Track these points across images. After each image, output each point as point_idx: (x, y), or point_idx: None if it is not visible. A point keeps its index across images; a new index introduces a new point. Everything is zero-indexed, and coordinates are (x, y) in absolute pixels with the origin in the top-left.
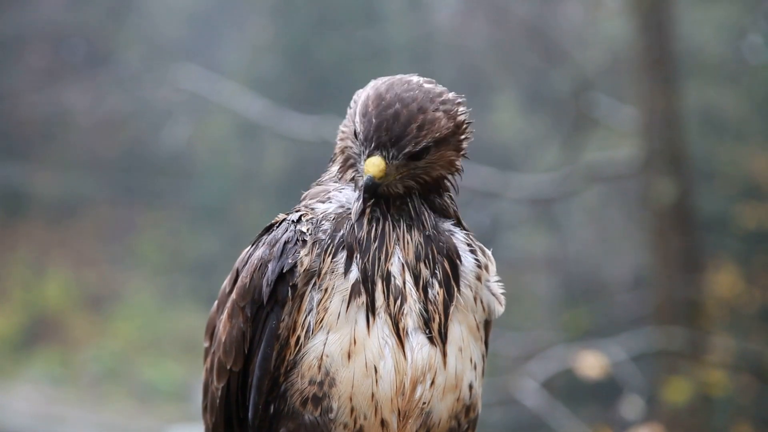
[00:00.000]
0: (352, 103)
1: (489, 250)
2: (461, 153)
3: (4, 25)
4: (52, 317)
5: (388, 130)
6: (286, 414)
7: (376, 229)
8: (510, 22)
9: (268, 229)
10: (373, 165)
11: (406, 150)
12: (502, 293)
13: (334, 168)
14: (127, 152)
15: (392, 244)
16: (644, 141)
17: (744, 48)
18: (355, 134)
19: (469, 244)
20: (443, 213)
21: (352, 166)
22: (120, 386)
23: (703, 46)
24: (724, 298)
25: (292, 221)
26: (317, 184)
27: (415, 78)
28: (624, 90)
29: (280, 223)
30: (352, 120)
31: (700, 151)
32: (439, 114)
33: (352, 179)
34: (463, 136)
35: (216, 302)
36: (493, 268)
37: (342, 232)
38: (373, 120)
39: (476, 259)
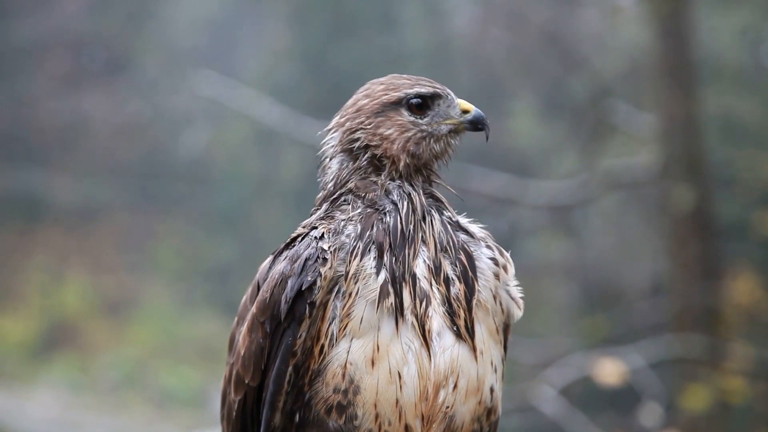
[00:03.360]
0: (346, 114)
1: (507, 252)
2: None
3: (25, 32)
4: (71, 323)
5: (442, 85)
6: (311, 422)
7: (406, 225)
8: (528, 28)
9: (291, 243)
10: (467, 103)
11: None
12: (521, 297)
13: (343, 174)
14: (146, 159)
15: (419, 242)
16: (662, 147)
17: (762, 54)
18: (415, 97)
19: (484, 240)
20: (444, 204)
21: (404, 148)
22: (138, 392)
23: (721, 52)
24: (743, 305)
25: (315, 237)
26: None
27: None
28: (642, 96)
29: (303, 238)
30: (383, 100)
31: (719, 157)
32: None
33: (371, 176)
34: None
35: (237, 317)
36: (512, 269)
37: (370, 232)
38: (426, 81)
39: (493, 257)
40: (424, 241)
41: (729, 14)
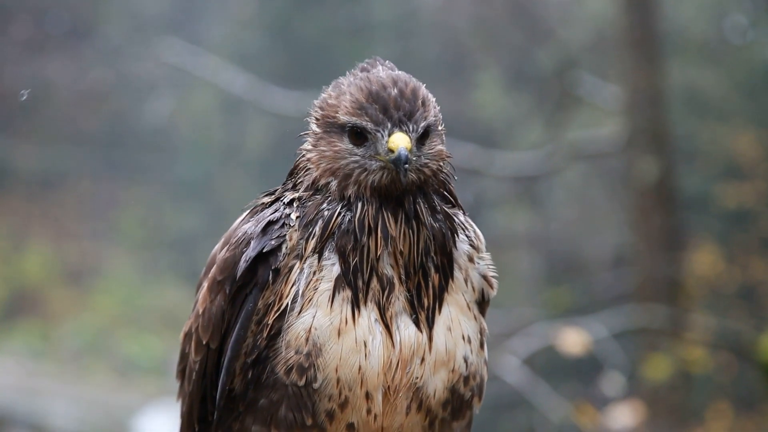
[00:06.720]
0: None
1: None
2: (444, 143)
3: None
4: (33, 291)
5: (398, 108)
6: (269, 383)
7: (365, 223)
8: None
9: (263, 206)
10: (401, 138)
11: (421, 124)
12: (493, 276)
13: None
14: (110, 126)
15: (381, 236)
16: (627, 119)
17: (727, 28)
18: (352, 128)
19: (464, 227)
20: (445, 199)
21: (334, 173)
22: (100, 360)
23: (686, 25)
24: (705, 276)
25: (284, 203)
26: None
27: (381, 69)
28: (607, 68)
29: (273, 203)
30: (332, 115)
31: (683, 130)
32: (429, 95)
33: (324, 187)
34: (441, 127)
35: (205, 266)
36: (483, 247)
37: (329, 223)
38: (378, 102)
39: (471, 243)
40: (391, 233)
41: None
